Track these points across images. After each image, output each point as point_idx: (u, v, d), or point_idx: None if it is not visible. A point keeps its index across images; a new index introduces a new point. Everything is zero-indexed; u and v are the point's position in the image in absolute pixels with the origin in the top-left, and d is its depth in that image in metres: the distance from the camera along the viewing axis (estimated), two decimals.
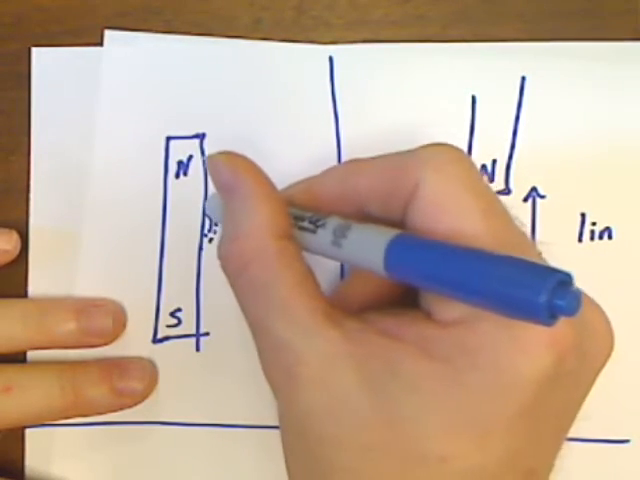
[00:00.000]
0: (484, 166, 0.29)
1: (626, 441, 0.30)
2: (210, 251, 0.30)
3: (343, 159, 0.29)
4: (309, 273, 0.23)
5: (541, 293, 0.17)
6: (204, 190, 0.30)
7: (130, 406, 0.29)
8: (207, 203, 0.29)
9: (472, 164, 0.23)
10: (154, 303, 0.30)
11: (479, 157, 0.29)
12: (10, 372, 0.29)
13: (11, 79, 0.30)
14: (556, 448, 0.23)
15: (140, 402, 0.29)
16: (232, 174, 0.24)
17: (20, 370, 0.29)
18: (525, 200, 0.29)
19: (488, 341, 0.20)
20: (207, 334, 0.30)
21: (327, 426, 0.21)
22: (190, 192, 0.30)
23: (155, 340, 0.30)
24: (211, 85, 0.29)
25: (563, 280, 0.18)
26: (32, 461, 0.30)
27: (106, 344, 0.29)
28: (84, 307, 0.29)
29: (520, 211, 0.29)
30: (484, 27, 0.29)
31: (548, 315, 0.17)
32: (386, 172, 0.23)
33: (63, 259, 0.30)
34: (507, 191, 0.29)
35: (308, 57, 0.29)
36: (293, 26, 0.29)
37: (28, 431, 0.30)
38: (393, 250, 0.21)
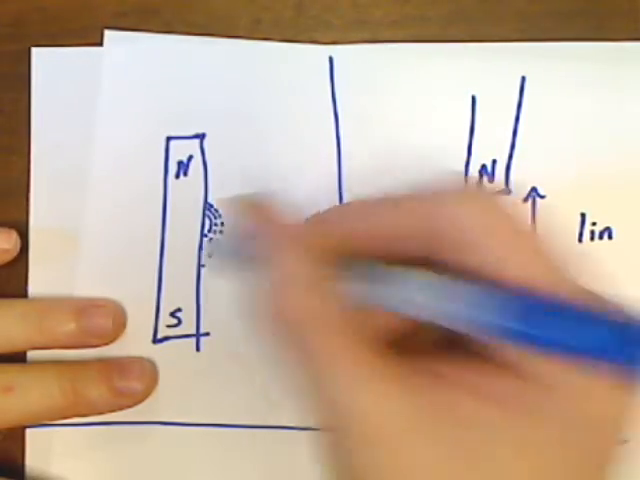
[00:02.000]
0: (484, 166, 0.29)
1: (625, 441, 0.30)
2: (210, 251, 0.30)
3: (343, 159, 0.29)
4: (354, 323, 0.21)
5: (626, 354, 0.18)
6: (204, 190, 0.30)
7: (130, 406, 0.29)
8: (212, 246, 0.29)
9: (502, 202, 0.22)
10: (154, 303, 0.30)
11: (479, 157, 0.29)
12: (10, 372, 0.28)
13: (11, 79, 0.30)
14: None
15: (140, 402, 0.29)
16: (264, 241, 0.22)
17: (20, 370, 0.29)
18: (525, 200, 0.29)
19: (581, 396, 0.19)
20: (207, 334, 0.30)
21: None
22: (190, 192, 0.30)
23: (155, 340, 0.30)
24: (211, 85, 0.29)
25: None
26: (32, 461, 0.30)
27: (106, 344, 0.29)
28: (84, 307, 0.29)
29: (520, 211, 0.29)
30: (484, 27, 0.29)
31: (632, 371, 0.18)
32: (418, 211, 0.21)
33: (63, 259, 0.30)
34: (507, 191, 0.29)
35: (308, 57, 0.29)
36: (293, 26, 0.29)
37: (28, 431, 0.30)
38: (435, 294, 0.20)
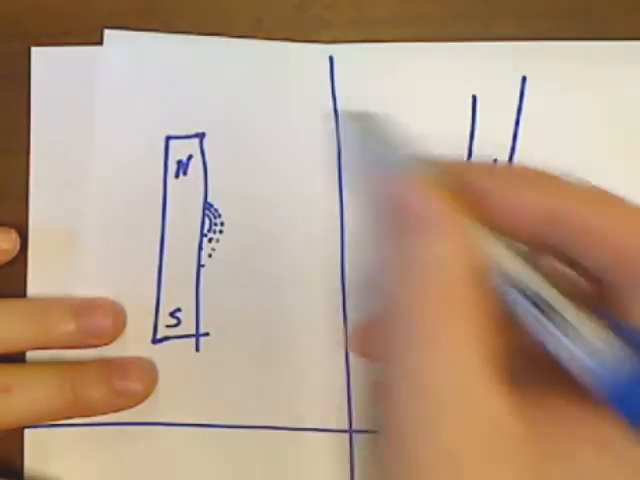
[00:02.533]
0: None
1: None
2: (210, 251, 0.30)
3: (343, 159, 0.29)
4: (497, 323, 0.17)
5: None
6: (204, 190, 0.30)
7: (130, 406, 0.29)
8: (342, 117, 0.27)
9: None
10: (154, 303, 0.30)
11: (479, 157, 0.29)
12: (10, 372, 0.28)
13: (11, 79, 0.30)
14: None
15: (140, 402, 0.29)
16: (422, 201, 0.18)
17: (20, 370, 0.29)
18: None
19: None
20: (207, 334, 0.30)
21: None
22: (190, 192, 0.30)
23: (155, 340, 0.30)
24: (211, 85, 0.29)
25: None
26: (31, 461, 0.30)
27: (106, 344, 0.29)
28: (84, 307, 0.29)
29: None
30: (484, 27, 0.29)
31: None
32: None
33: (63, 259, 0.30)
34: None
35: (308, 57, 0.29)
36: (293, 26, 0.29)
37: (27, 431, 0.30)
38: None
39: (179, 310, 0.30)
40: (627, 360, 0.17)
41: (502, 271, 0.18)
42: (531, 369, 0.18)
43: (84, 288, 0.30)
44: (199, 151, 0.30)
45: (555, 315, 0.17)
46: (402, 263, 0.17)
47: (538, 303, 0.17)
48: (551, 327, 0.17)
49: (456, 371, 0.16)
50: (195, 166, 0.30)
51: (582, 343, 0.17)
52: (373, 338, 0.19)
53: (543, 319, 0.17)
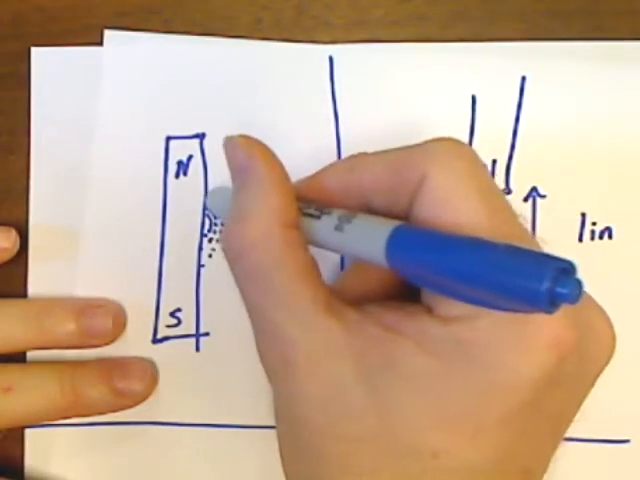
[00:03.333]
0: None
1: (626, 441, 0.30)
2: (210, 251, 0.30)
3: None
4: (313, 264, 0.23)
5: (543, 280, 0.17)
6: (204, 190, 0.30)
7: (130, 406, 0.29)
8: (208, 196, 0.29)
9: (478, 159, 0.23)
10: (154, 303, 0.30)
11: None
12: (10, 372, 0.28)
13: (11, 79, 0.30)
14: (552, 449, 0.23)
15: (140, 402, 0.29)
16: (248, 156, 0.24)
17: (20, 370, 0.29)
18: (525, 200, 0.29)
19: (487, 338, 0.20)
20: (207, 334, 0.30)
21: (319, 415, 0.21)
22: (190, 192, 0.30)
23: (155, 340, 0.30)
24: (211, 85, 0.29)
25: (565, 268, 0.18)
26: (32, 461, 0.30)
27: (106, 344, 0.29)
28: (84, 307, 0.29)
29: (520, 211, 0.29)
30: (484, 27, 0.29)
31: (549, 303, 0.17)
32: (391, 166, 0.23)
33: (63, 259, 0.30)
34: (507, 191, 0.29)
35: (308, 57, 0.29)
36: (293, 26, 0.29)
37: (28, 431, 0.30)
38: (395, 239, 0.21)
39: (179, 310, 0.30)
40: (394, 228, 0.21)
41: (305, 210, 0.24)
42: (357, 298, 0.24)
43: (84, 288, 0.30)
44: (199, 151, 0.30)
45: (347, 224, 0.23)
46: (233, 212, 0.24)
47: (338, 225, 0.23)
48: (343, 235, 0.23)
49: (290, 303, 0.22)
50: (195, 166, 0.30)
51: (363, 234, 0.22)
52: None
53: (339, 231, 0.23)
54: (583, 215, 0.29)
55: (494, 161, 0.29)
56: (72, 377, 0.28)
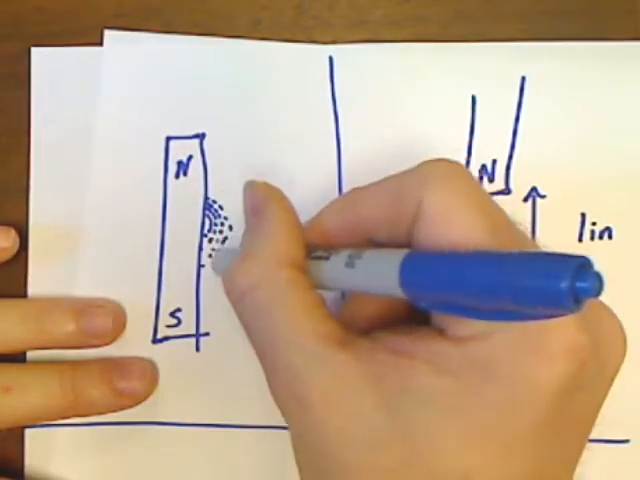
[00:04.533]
0: (484, 166, 0.29)
1: (626, 441, 0.30)
2: (210, 251, 0.30)
3: (343, 159, 0.29)
4: (319, 299, 0.23)
5: (563, 278, 0.17)
6: (204, 190, 0.30)
7: (130, 406, 0.29)
8: (214, 257, 0.30)
9: (471, 176, 0.23)
10: (154, 303, 0.30)
11: (479, 157, 0.29)
12: (10, 372, 0.28)
13: (11, 79, 0.30)
14: (578, 454, 0.23)
15: (140, 402, 0.29)
16: (263, 199, 0.25)
17: (20, 370, 0.29)
18: (525, 200, 0.29)
19: (504, 353, 0.20)
20: (207, 334, 0.30)
21: (344, 449, 0.21)
22: (190, 192, 0.30)
23: (155, 340, 0.30)
24: (211, 85, 0.29)
25: (582, 263, 0.18)
26: (32, 461, 0.30)
27: (106, 344, 0.29)
28: (84, 308, 0.29)
29: (520, 211, 0.29)
30: (484, 27, 0.29)
31: (572, 300, 0.17)
32: (386, 197, 0.23)
33: (63, 259, 0.30)
34: (507, 191, 0.29)
35: (308, 57, 0.29)
36: (293, 26, 0.29)
37: (28, 431, 0.30)
38: (407, 268, 0.21)
39: (179, 310, 0.30)
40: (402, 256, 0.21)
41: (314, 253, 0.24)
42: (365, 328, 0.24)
43: (84, 288, 0.30)
44: (199, 151, 0.30)
45: (357, 260, 0.23)
46: (241, 252, 0.24)
47: (347, 263, 0.23)
48: (353, 273, 0.23)
49: (298, 341, 0.22)
50: (195, 166, 0.30)
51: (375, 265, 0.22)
52: None
53: (349, 269, 0.23)
54: (583, 215, 0.29)
55: (494, 161, 0.29)
56: (72, 377, 0.28)
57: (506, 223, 0.22)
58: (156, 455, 0.30)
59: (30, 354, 0.30)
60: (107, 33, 0.29)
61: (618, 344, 0.23)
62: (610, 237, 0.29)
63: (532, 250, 0.19)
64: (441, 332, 0.22)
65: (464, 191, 0.22)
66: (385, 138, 0.29)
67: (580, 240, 0.29)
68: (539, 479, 0.21)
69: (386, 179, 0.23)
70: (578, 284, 0.17)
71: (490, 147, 0.29)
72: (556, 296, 0.17)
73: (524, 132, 0.29)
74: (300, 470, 0.23)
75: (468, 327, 0.21)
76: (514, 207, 0.29)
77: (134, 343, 0.30)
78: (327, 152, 0.29)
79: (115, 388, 0.28)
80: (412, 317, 0.24)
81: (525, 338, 0.20)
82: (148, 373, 0.29)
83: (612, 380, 0.23)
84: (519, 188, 0.29)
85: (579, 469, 0.30)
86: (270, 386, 0.23)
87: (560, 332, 0.20)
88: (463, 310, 0.20)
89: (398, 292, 0.21)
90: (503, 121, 0.29)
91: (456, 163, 0.23)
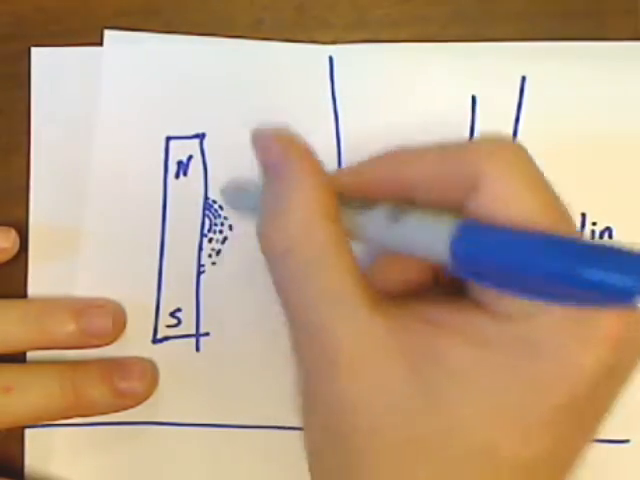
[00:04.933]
0: None
1: (626, 441, 0.30)
2: (210, 251, 0.30)
3: (343, 159, 0.29)
4: (355, 259, 0.22)
5: (631, 274, 0.17)
6: (204, 190, 0.30)
7: (131, 406, 0.29)
8: (224, 192, 0.28)
9: (531, 158, 0.22)
10: (154, 303, 0.30)
11: None
12: (10, 372, 0.28)
13: (11, 79, 0.30)
14: (589, 442, 0.23)
15: (141, 403, 0.29)
16: (282, 149, 0.23)
17: (20, 370, 0.29)
18: None
19: (548, 334, 0.20)
20: (207, 334, 0.30)
21: (365, 417, 0.21)
22: (190, 192, 0.30)
23: (155, 340, 0.30)
24: (211, 85, 0.29)
25: None
26: (32, 461, 0.30)
27: (106, 344, 0.29)
28: (84, 308, 0.29)
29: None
30: (484, 27, 0.29)
31: (633, 297, 0.18)
32: (444, 162, 0.22)
33: (63, 259, 0.30)
34: None
35: (308, 57, 0.29)
36: (294, 26, 0.29)
37: (28, 431, 0.30)
38: (465, 235, 0.20)
39: (179, 310, 0.30)
40: (454, 224, 0.21)
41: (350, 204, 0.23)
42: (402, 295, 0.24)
43: (84, 288, 0.30)
44: (199, 151, 0.30)
45: (402, 216, 0.22)
46: (269, 206, 0.23)
47: (390, 217, 0.22)
48: (397, 228, 0.22)
49: (336, 301, 0.21)
50: (195, 167, 0.30)
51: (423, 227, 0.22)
52: None
53: (392, 224, 0.22)
54: (583, 215, 0.29)
55: None
56: (72, 377, 0.28)
57: (564, 208, 0.22)
58: (156, 455, 0.30)
59: (30, 354, 0.30)
60: (107, 33, 0.29)
61: None
62: (610, 237, 0.29)
63: (603, 242, 0.19)
64: (480, 306, 0.21)
65: (524, 171, 0.21)
66: (385, 138, 0.29)
67: None
68: (556, 461, 0.21)
69: (444, 146, 0.23)
70: None
71: None
72: (626, 292, 0.18)
73: (524, 132, 0.29)
74: (309, 442, 0.23)
75: (512, 305, 0.20)
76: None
77: (134, 343, 0.30)
78: (327, 152, 0.29)
79: (115, 388, 0.28)
80: (440, 286, 0.24)
81: (571, 322, 0.20)
82: (148, 373, 0.29)
83: (630, 376, 0.23)
84: None
85: (579, 468, 0.30)
86: (297, 348, 0.23)
87: (603, 320, 0.20)
88: (515, 288, 0.20)
89: (443, 257, 0.21)
90: (503, 121, 0.29)
91: (516, 142, 0.23)
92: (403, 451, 0.20)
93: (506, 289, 0.20)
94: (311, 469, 0.23)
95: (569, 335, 0.20)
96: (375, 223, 0.23)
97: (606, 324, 0.20)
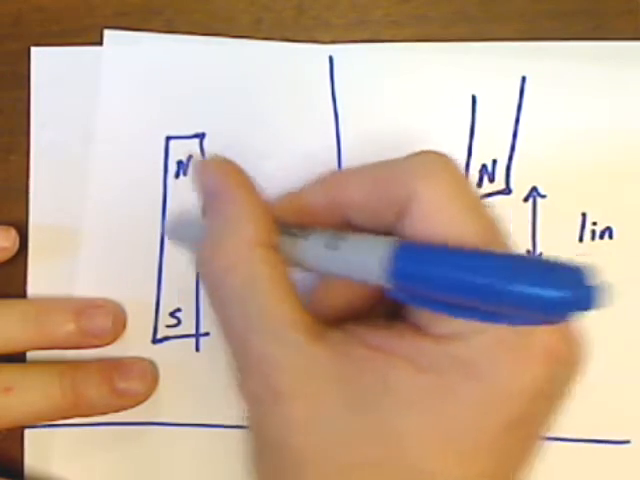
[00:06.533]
0: (484, 166, 0.29)
1: (626, 441, 0.30)
2: None
3: (343, 159, 0.29)
4: (292, 285, 0.22)
5: (567, 287, 0.17)
6: None
7: (131, 407, 0.29)
8: (167, 227, 0.29)
9: (460, 171, 0.23)
10: (154, 303, 0.30)
11: (479, 157, 0.29)
12: (10, 372, 0.28)
13: (11, 79, 0.30)
14: (529, 458, 0.23)
15: (141, 403, 0.29)
16: (220, 179, 0.24)
17: (20, 370, 0.29)
18: (525, 200, 0.29)
19: (485, 353, 0.20)
20: (207, 334, 0.30)
21: (308, 443, 0.21)
22: (190, 192, 0.30)
23: (155, 340, 0.30)
24: (211, 85, 0.29)
25: (583, 275, 0.18)
26: (32, 461, 0.30)
27: (106, 344, 0.29)
28: (84, 308, 0.29)
29: (520, 211, 0.29)
30: (484, 27, 0.29)
31: (568, 309, 0.18)
32: (376, 183, 0.23)
33: (63, 259, 0.30)
34: (507, 191, 0.29)
35: (308, 57, 0.29)
36: (293, 26, 0.29)
37: (28, 431, 0.30)
38: (401, 257, 0.21)
39: (179, 310, 0.30)
40: (390, 244, 0.21)
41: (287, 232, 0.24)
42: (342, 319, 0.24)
43: (84, 288, 0.30)
44: (199, 151, 0.30)
45: (339, 243, 0.22)
46: (209, 233, 0.23)
47: (328, 244, 0.22)
48: (335, 255, 0.22)
49: (272, 327, 0.21)
50: None
51: (360, 251, 0.22)
52: None
53: (330, 251, 0.22)
54: (583, 215, 0.29)
55: (494, 161, 0.29)
56: (72, 377, 0.28)
57: (495, 224, 0.22)
58: (156, 455, 0.30)
59: (30, 354, 0.30)
60: (107, 33, 0.29)
61: (581, 352, 0.23)
62: (611, 237, 0.29)
63: (534, 256, 0.19)
64: (420, 329, 0.21)
65: (456, 187, 0.22)
66: (385, 138, 0.29)
67: (581, 240, 0.29)
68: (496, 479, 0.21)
69: (375, 164, 0.23)
70: (580, 295, 0.17)
71: (490, 147, 0.29)
72: (551, 305, 0.18)
73: (524, 132, 0.29)
74: (254, 458, 0.23)
75: (450, 325, 0.21)
76: (514, 207, 0.29)
77: (134, 343, 0.30)
78: (327, 152, 0.29)
79: (115, 388, 0.28)
80: (381, 311, 0.24)
81: (506, 340, 0.20)
82: (148, 373, 0.29)
83: (573, 387, 0.23)
84: (519, 188, 0.29)
85: (578, 469, 0.30)
86: (238, 373, 0.23)
87: (538, 338, 0.20)
88: (450, 308, 0.20)
89: (382, 280, 0.21)
90: (503, 121, 0.29)
91: (447, 156, 0.23)
92: (345, 476, 0.20)
93: (442, 310, 0.20)
94: None
95: (504, 355, 0.20)
96: (313, 250, 0.23)
97: (541, 342, 0.20)
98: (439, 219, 0.21)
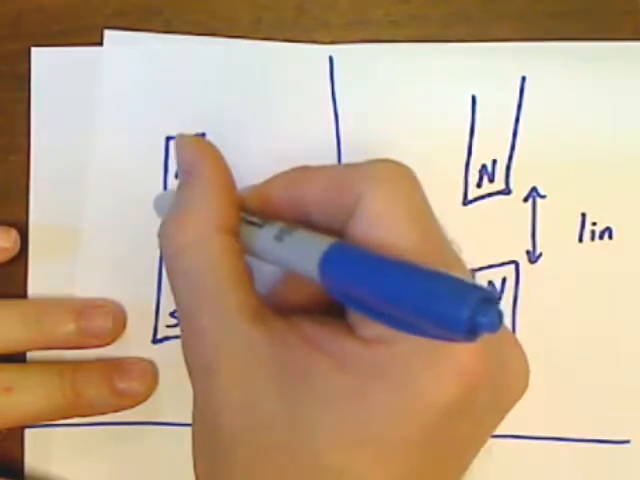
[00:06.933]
0: (484, 166, 0.29)
1: (626, 441, 0.30)
2: None
3: (343, 159, 0.29)
4: (246, 271, 0.23)
5: (464, 308, 0.17)
6: None
7: (131, 407, 0.29)
8: (155, 200, 0.29)
9: (416, 182, 0.23)
10: (154, 303, 0.30)
11: (479, 157, 0.29)
12: (10, 372, 0.28)
13: (11, 79, 0.30)
14: (456, 476, 0.23)
15: (141, 403, 0.29)
16: (195, 156, 0.25)
17: (20, 370, 0.29)
18: (525, 200, 0.29)
19: (403, 362, 0.20)
20: None
21: (234, 421, 0.21)
22: None
23: (155, 340, 0.30)
24: (211, 85, 0.29)
25: (487, 298, 0.18)
26: (32, 461, 0.30)
27: (106, 344, 0.29)
28: (84, 308, 0.29)
29: (520, 211, 0.29)
30: (484, 27, 0.29)
31: (469, 331, 0.17)
32: (330, 183, 0.23)
33: (63, 259, 0.30)
34: (507, 191, 0.29)
35: (308, 57, 0.29)
36: (293, 26, 0.29)
37: (28, 431, 0.30)
38: (329, 256, 0.21)
39: None
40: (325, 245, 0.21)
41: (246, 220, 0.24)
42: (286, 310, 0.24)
43: (84, 288, 0.30)
44: None
45: (286, 237, 0.23)
46: (175, 205, 0.24)
47: (277, 236, 0.23)
48: (280, 247, 0.23)
49: (216, 309, 0.22)
50: None
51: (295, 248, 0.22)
52: None
53: (277, 243, 0.23)
54: (583, 215, 0.29)
55: (494, 161, 0.29)
56: (72, 377, 0.28)
57: (440, 238, 0.22)
58: (156, 455, 0.30)
59: (30, 354, 0.30)
60: (107, 33, 0.29)
61: (519, 377, 0.23)
62: (610, 237, 0.29)
63: (448, 271, 0.19)
64: (351, 330, 0.22)
65: (403, 196, 0.22)
66: (385, 138, 0.29)
67: (580, 240, 0.29)
68: None
69: (334, 165, 0.24)
70: (478, 318, 0.17)
71: (490, 147, 0.29)
72: (454, 324, 0.18)
73: (524, 132, 0.29)
74: (193, 438, 0.23)
75: (375, 330, 0.21)
76: (514, 207, 0.29)
77: (134, 343, 0.30)
78: (327, 152, 0.29)
79: (115, 388, 0.28)
80: (334, 310, 0.24)
81: (425, 352, 0.20)
82: (148, 373, 0.29)
83: (507, 412, 0.23)
84: (519, 188, 0.29)
85: (578, 469, 0.30)
86: (183, 349, 0.23)
87: (457, 354, 0.20)
88: (372, 312, 0.20)
89: (315, 277, 0.21)
90: (503, 121, 0.29)
91: (403, 166, 0.23)
92: (264, 457, 0.21)
93: (366, 313, 0.20)
94: (194, 466, 0.23)
95: (421, 367, 0.20)
96: (264, 241, 0.23)
97: (456, 358, 0.20)
98: (379, 224, 0.21)
